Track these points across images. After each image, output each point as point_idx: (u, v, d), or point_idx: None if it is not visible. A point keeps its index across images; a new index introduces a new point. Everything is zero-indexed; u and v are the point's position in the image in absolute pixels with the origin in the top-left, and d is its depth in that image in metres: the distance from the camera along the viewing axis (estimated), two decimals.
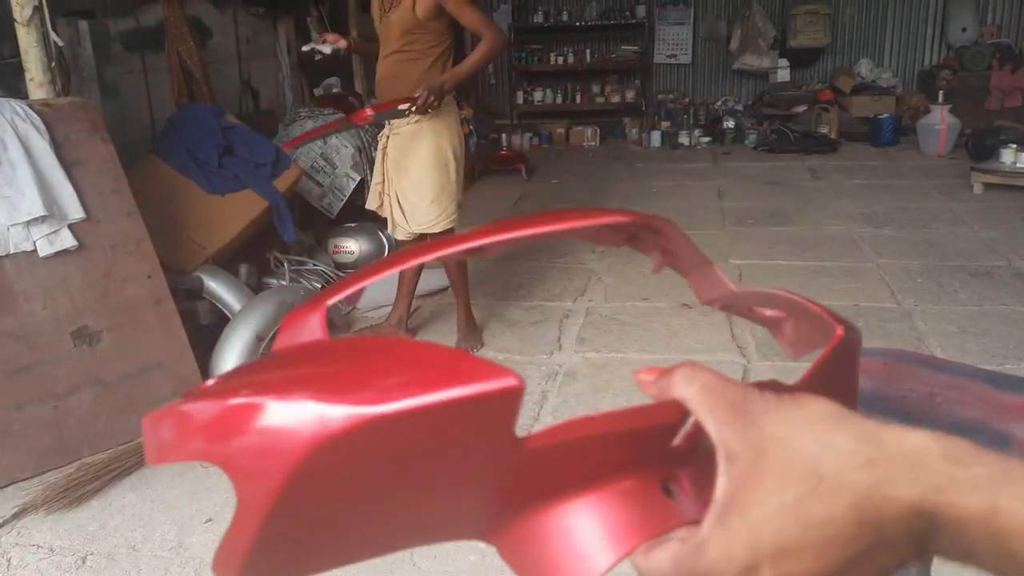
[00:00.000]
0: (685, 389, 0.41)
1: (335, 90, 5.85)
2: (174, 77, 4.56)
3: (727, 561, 0.37)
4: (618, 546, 0.41)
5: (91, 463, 2.70)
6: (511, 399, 0.36)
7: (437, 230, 3.43)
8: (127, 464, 2.70)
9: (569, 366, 3.40)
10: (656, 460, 0.43)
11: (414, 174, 3.39)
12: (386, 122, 3.48)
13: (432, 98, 3.18)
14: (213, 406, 0.37)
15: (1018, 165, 5.94)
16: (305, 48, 3.63)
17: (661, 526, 0.41)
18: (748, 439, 0.38)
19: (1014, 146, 6.03)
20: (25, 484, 2.63)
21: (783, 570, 0.37)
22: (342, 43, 3.54)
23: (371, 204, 3.68)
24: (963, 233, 5.04)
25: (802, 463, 0.37)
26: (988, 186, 5.97)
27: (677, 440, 0.43)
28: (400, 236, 3.57)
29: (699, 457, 0.42)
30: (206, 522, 2.44)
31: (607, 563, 0.40)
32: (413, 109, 3.20)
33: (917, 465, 0.36)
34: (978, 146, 6.69)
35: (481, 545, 2.21)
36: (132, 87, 4.44)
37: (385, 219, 3.66)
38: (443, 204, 3.41)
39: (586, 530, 0.41)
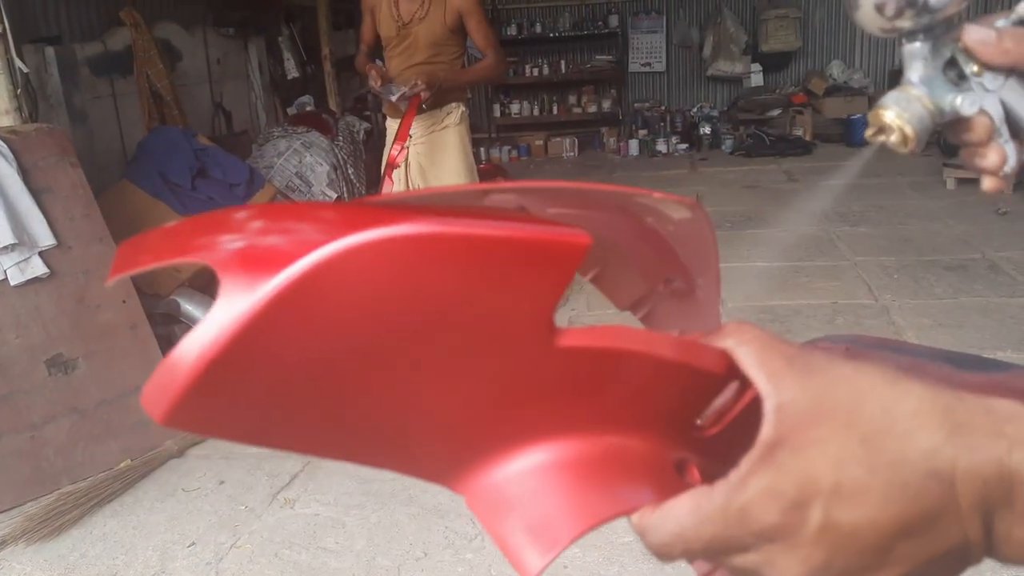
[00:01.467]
0: (734, 339, 0.36)
1: (308, 108, 5.84)
2: (144, 100, 4.54)
3: (771, 495, 0.33)
4: (619, 502, 0.35)
5: (70, 492, 2.66)
6: (574, 255, 0.31)
7: None
8: (107, 491, 2.67)
9: None
10: (675, 436, 0.38)
11: (447, 179, 3.51)
12: (409, 132, 3.56)
13: (429, 88, 3.28)
14: (222, 214, 0.31)
15: None
16: (394, 98, 3.49)
17: (669, 497, 0.36)
18: (807, 385, 0.34)
19: None
20: (4, 516, 2.60)
21: (840, 514, 0.32)
22: (378, 80, 3.45)
23: None
24: (937, 228, 5.09)
25: (874, 402, 0.33)
26: (961, 181, 6.03)
27: (702, 419, 0.39)
28: None
29: (717, 451, 0.39)
30: (189, 546, 2.40)
31: (601, 517, 0.35)
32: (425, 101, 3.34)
33: (1000, 419, 0.33)
34: (950, 142, 6.75)
35: (469, 556, 2.16)
36: (101, 112, 4.42)
37: None
38: None
39: (582, 480, 0.35)
